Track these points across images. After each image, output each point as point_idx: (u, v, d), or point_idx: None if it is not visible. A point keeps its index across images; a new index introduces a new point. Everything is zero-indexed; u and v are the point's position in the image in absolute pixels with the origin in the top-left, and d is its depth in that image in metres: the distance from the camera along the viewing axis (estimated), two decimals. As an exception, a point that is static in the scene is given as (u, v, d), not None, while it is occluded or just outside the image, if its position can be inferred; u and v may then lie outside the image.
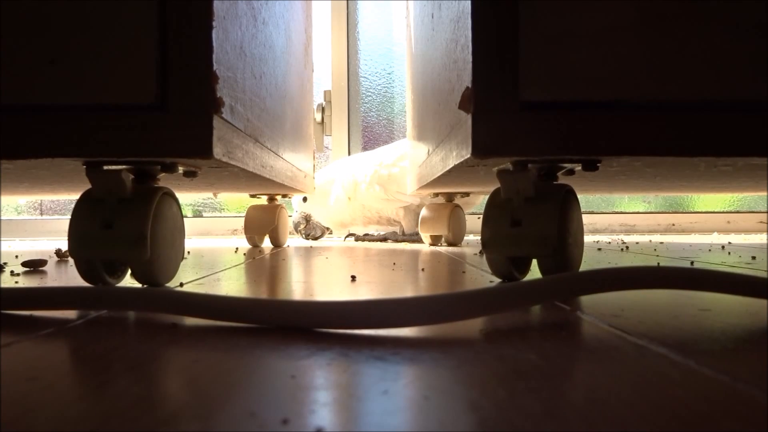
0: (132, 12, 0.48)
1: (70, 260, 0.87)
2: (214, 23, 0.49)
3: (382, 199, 1.44)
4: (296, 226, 1.54)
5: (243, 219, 1.33)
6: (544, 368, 0.28)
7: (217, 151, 0.50)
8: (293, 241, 1.57)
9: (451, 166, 0.62)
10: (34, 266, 0.78)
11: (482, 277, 0.65)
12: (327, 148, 1.98)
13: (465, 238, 1.42)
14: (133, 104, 0.49)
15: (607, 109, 0.50)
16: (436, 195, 1.32)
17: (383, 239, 1.52)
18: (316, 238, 1.55)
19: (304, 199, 1.51)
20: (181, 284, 0.58)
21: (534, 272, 0.58)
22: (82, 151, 0.49)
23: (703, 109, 0.50)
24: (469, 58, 0.50)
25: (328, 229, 1.56)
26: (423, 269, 0.75)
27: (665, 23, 0.49)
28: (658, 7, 0.49)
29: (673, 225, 1.99)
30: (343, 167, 1.52)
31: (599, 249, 1.14)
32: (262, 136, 0.71)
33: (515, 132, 0.50)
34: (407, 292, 0.55)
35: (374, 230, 1.61)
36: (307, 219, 1.53)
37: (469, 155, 0.51)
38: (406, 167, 1.36)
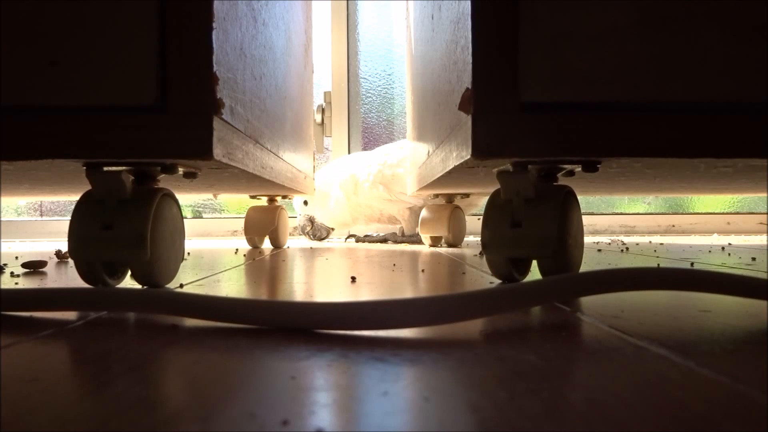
0: (132, 13, 0.48)
1: (70, 261, 0.87)
2: (214, 24, 0.49)
3: (385, 199, 1.44)
4: (303, 228, 1.57)
5: (243, 220, 1.33)
6: (544, 369, 0.28)
7: (217, 152, 0.50)
8: (293, 242, 1.57)
9: (451, 167, 0.62)
10: (34, 267, 0.78)
11: (482, 278, 0.65)
12: (327, 149, 1.98)
13: (465, 239, 1.42)
14: (134, 105, 0.49)
15: (606, 110, 0.50)
16: (436, 196, 1.32)
17: (383, 240, 1.52)
18: (322, 239, 1.58)
19: (305, 203, 1.52)
20: (181, 285, 0.58)
21: (534, 273, 0.58)
22: (82, 152, 0.49)
23: (703, 110, 0.50)
24: (469, 59, 0.50)
25: (332, 228, 1.57)
26: (423, 270, 0.75)
27: (665, 24, 0.49)
28: (658, 8, 0.49)
29: (673, 226, 1.99)
30: (341, 166, 1.52)
31: (599, 250, 1.14)
32: (262, 137, 0.71)
33: (515, 133, 0.50)
34: (407, 293, 0.55)
35: (374, 231, 1.61)
36: (312, 221, 1.56)
37: (469, 156, 0.51)
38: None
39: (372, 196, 1.44)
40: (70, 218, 0.52)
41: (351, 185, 1.47)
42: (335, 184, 1.49)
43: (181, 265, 0.61)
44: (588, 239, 1.64)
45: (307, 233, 1.57)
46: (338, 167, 1.52)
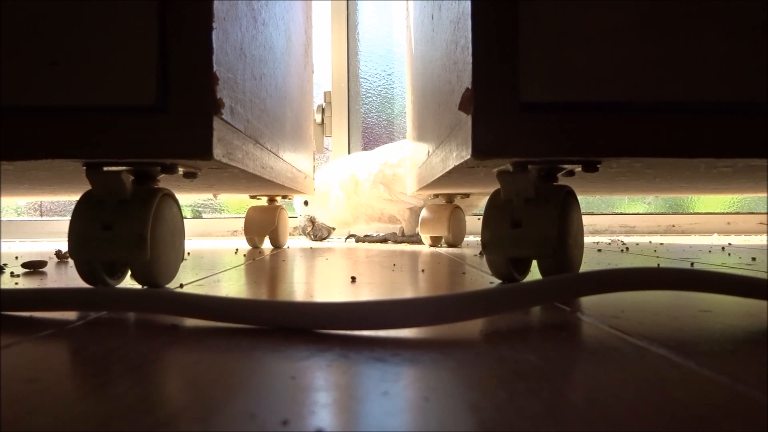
0: (132, 13, 0.48)
1: (70, 261, 0.87)
2: (214, 24, 0.49)
3: (385, 199, 1.44)
4: (303, 229, 1.57)
5: (243, 220, 1.33)
6: (544, 369, 0.28)
7: (217, 152, 0.50)
8: (293, 242, 1.57)
9: (451, 167, 0.62)
10: (34, 267, 0.78)
11: (482, 278, 0.65)
12: (327, 149, 1.98)
13: (465, 239, 1.42)
14: (134, 105, 0.49)
15: (606, 110, 0.50)
16: (436, 196, 1.32)
17: (383, 240, 1.52)
18: (323, 239, 1.57)
19: (305, 203, 1.52)
20: (181, 285, 0.58)
21: (534, 273, 0.58)
22: (82, 152, 0.49)
23: (703, 110, 0.50)
24: (469, 59, 0.50)
25: (333, 228, 1.57)
26: (423, 270, 0.75)
27: (665, 24, 0.49)
28: (658, 8, 0.49)
29: (673, 226, 1.99)
30: (341, 166, 1.52)
31: (599, 250, 1.14)
32: (262, 137, 0.71)
33: (515, 133, 0.50)
34: (407, 293, 0.55)
35: (374, 231, 1.61)
36: (313, 221, 1.56)
37: (469, 156, 0.51)
38: None
39: (372, 195, 1.45)
40: (70, 218, 0.52)
41: (351, 185, 1.47)
42: (335, 184, 1.49)
43: (181, 265, 0.61)
44: (588, 239, 1.64)
45: (308, 234, 1.57)
46: (339, 167, 1.52)
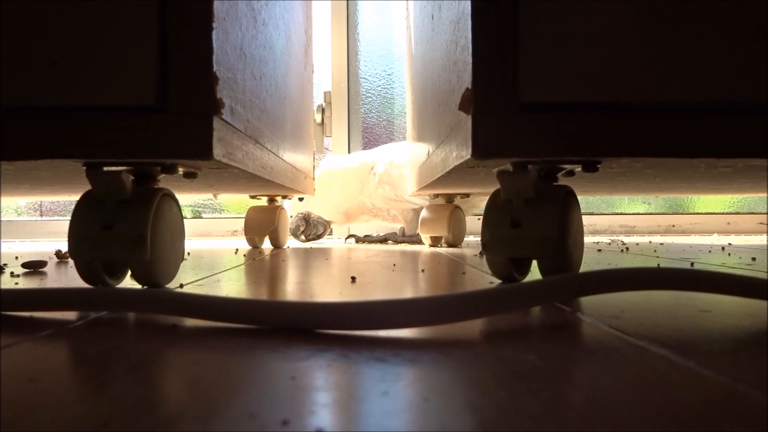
0: (132, 13, 0.48)
1: (70, 261, 0.87)
2: (214, 24, 0.49)
3: (390, 199, 1.44)
4: (296, 230, 1.48)
5: (243, 220, 1.33)
6: (544, 369, 0.28)
7: (217, 152, 0.50)
8: (293, 243, 1.57)
9: (451, 167, 0.62)
10: (34, 267, 0.78)
11: (482, 278, 0.65)
12: (327, 149, 1.98)
13: (465, 239, 1.42)
14: (134, 105, 0.49)
15: (606, 110, 0.50)
16: (436, 196, 1.32)
17: (383, 240, 1.52)
18: (318, 237, 1.50)
19: (300, 199, 1.46)
20: (181, 285, 0.58)
21: (534, 273, 0.58)
22: (82, 152, 0.49)
23: (702, 110, 0.50)
24: (469, 59, 0.50)
25: (329, 223, 1.51)
26: (423, 270, 0.75)
27: (664, 24, 0.49)
28: (658, 9, 0.49)
29: (673, 226, 1.99)
30: (349, 159, 1.52)
31: (599, 250, 1.14)
32: (262, 137, 0.71)
33: (515, 133, 0.50)
34: (407, 293, 0.55)
35: (374, 231, 1.61)
36: (307, 219, 1.49)
37: (469, 156, 0.51)
38: None
39: (377, 195, 1.45)
40: (70, 218, 0.52)
41: (363, 174, 1.47)
42: (348, 171, 1.48)
43: (181, 265, 0.61)
44: (588, 239, 1.64)
45: (300, 235, 1.48)
46: (346, 158, 1.53)
